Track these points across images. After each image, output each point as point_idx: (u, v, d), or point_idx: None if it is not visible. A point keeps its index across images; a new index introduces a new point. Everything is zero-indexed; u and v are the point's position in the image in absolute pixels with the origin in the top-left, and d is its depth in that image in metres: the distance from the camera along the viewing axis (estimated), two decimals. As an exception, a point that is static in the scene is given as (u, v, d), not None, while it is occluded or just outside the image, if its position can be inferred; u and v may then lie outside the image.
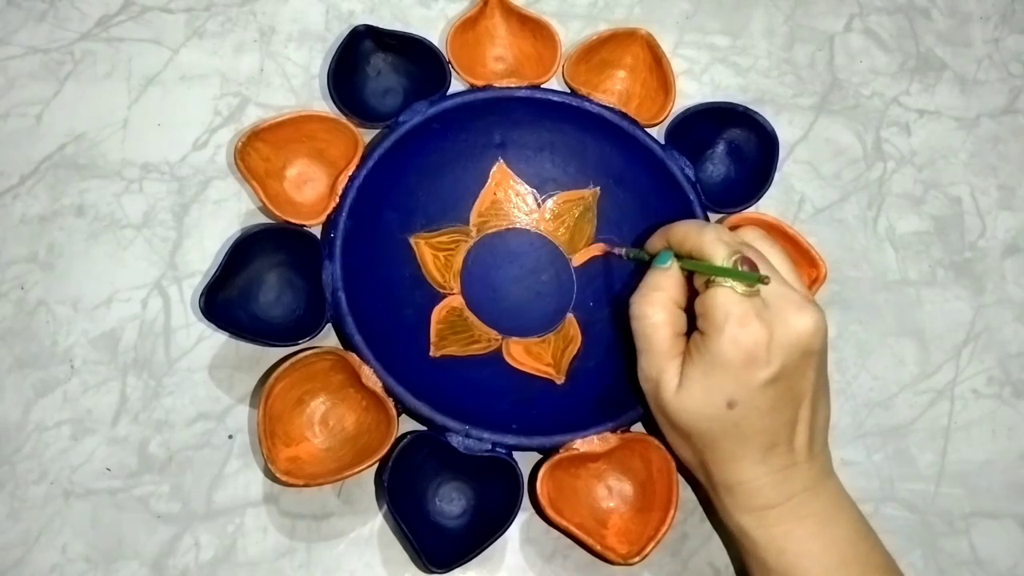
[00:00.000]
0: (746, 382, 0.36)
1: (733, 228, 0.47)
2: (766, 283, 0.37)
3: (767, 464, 0.38)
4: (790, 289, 0.38)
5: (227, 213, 0.47)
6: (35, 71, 0.49)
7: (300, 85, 0.50)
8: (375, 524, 0.42)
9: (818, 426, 0.39)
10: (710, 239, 0.38)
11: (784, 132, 0.51)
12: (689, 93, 0.52)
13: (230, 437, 0.43)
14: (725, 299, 0.36)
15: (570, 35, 0.53)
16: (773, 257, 0.40)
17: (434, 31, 0.52)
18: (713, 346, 0.36)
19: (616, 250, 0.47)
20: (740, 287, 0.36)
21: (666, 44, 0.52)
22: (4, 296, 0.44)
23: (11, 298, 0.44)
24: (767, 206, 0.50)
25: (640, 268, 0.44)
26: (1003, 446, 0.47)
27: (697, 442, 0.39)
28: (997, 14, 0.58)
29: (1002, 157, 0.54)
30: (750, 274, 0.37)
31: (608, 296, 0.48)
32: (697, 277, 0.39)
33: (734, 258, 0.37)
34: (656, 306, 0.39)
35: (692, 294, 0.39)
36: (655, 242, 0.42)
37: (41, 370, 0.43)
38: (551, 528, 0.42)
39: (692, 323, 0.39)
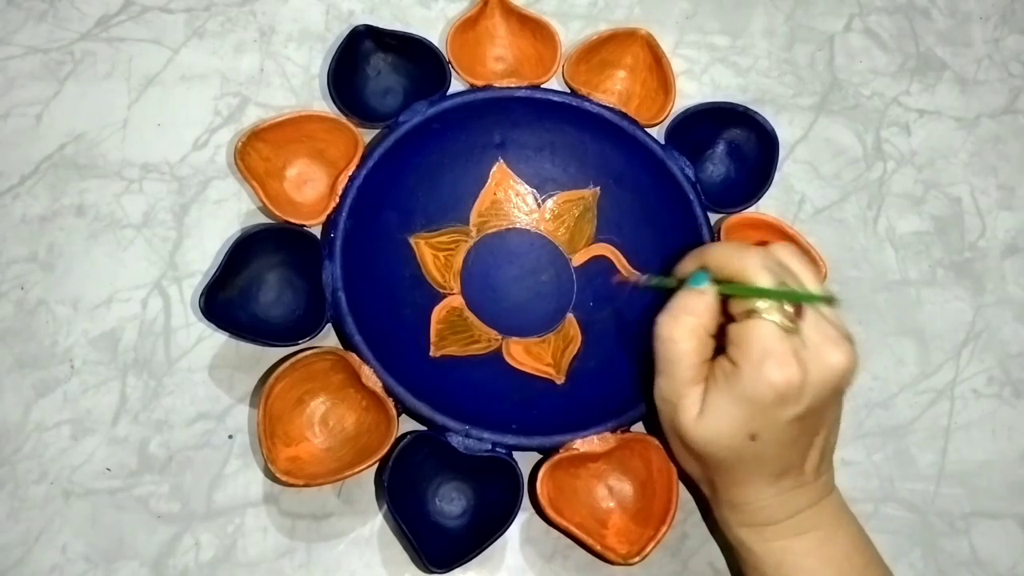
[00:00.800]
0: (772, 418, 0.35)
1: (735, 229, 0.47)
2: (832, 305, 0.36)
3: (777, 487, 0.38)
4: (827, 322, 0.36)
5: (227, 213, 0.47)
6: (35, 71, 0.49)
7: (300, 85, 0.50)
8: (375, 524, 0.42)
9: (828, 448, 0.39)
10: (754, 265, 0.36)
11: (784, 132, 0.51)
12: (689, 93, 0.52)
13: (230, 437, 0.43)
14: (766, 335, 0.35)
15: (570, 35, 0.53)
16: (806, 279, 0.38)
17: (434, 31, 0.52)
18: (746, 381, 0.35)
19: (633, 280, 0.45)
20: (782, 321, 0.35)
21: (666, 44, 0.52)
22: (4, 296, 0.44)
23: (11, 298, 0.44)
24: (767, 206, 0.50)
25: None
26: (1003, 446, 0.47)
27: (710, 465, 0.38)
28: (997, 14, 0.58)
29: (1002, 157, 0.54)
30: (811, 295, 0.35)
31: (608, 296, 0.48)
32: (735, 303, 0.36)
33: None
34: (686, 331, 0.37)
35: (723, 320, 0.37)
36: (687, 265, 0.40)
37: (41, 370, 0.43)
38: (551, 528, 0.42)
39: (719, 347, 0.37)
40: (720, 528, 0.41)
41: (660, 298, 0.39)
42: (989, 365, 0.49)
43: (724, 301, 0.37)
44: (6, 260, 0.45)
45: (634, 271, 0.47)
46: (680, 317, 0.37)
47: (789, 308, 0.35)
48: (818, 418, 0.37)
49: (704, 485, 0.40)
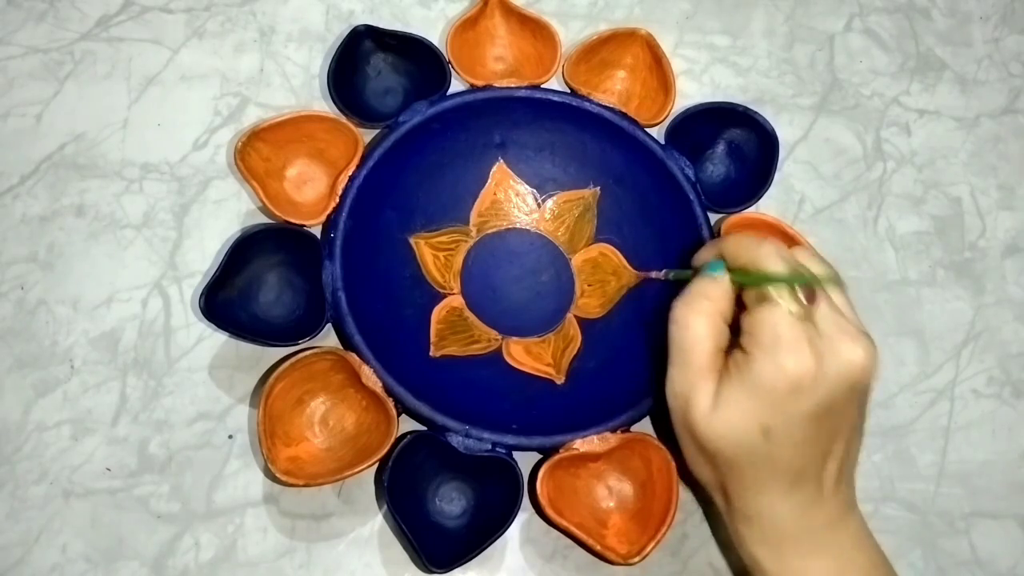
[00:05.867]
0: (786, 411, 0.34)
1: (734, 229, 0.47)
2: (840, 284, 0.35)
3: (792, 498, 0.36)
4: (843, 318, 0.35)
5: (227, 213, 0.47)
6: (35, 71, 0.49)
7: (300, 85, 0.50)
8: (375, 524, 0.42)
9: (849, 461, 0.37)
10: (768, 252, 0.36)
11: (784, 132, 0.51)
12: (689, 93, 0.52)
13: (230, 437, 0.43)
14: (778, 320, 0.34)
15: (570, 35, 0.53)
16: (817, 269, 0.37)
17: (434, 31, 0.52)
18: (757, 368, 0.34)
19: (654, 274, 0.45)
20: (795, 308, 0.34)
21: (666, 44, 0.52)
22: (4, 296, 0.44)
23: (11, 298, 0.44)
24: (767, 206, 0.50)
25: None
26: (1003, 446, 0.47)
27: (722, 466, 0.36)
28: (997, 14, 0.58)
29: (1002, 157, 0.54)
30: (813, 276, 0.35)
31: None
32: (748, 292, 0.36)
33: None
34: (702, 316, 0.36)
35: (738, 310, 0.37)
36: (704, 254, 0.40)
37: (41, 370, 0.43)
38: (551, 528, 0.42)
39: (734, 339, 0.37)
40: (735, 548, 0.39)
41: (664, 295, 0.40)
42: (989, 365, 0.49)
43: (741, 295, 0.37)
44: (6, 260, 0.45)
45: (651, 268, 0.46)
46: (695, 302, 0.37)
47: (802, 297, 0.35)
48: (836, 420, 0.35)
49: (717, 494, 0.38)
